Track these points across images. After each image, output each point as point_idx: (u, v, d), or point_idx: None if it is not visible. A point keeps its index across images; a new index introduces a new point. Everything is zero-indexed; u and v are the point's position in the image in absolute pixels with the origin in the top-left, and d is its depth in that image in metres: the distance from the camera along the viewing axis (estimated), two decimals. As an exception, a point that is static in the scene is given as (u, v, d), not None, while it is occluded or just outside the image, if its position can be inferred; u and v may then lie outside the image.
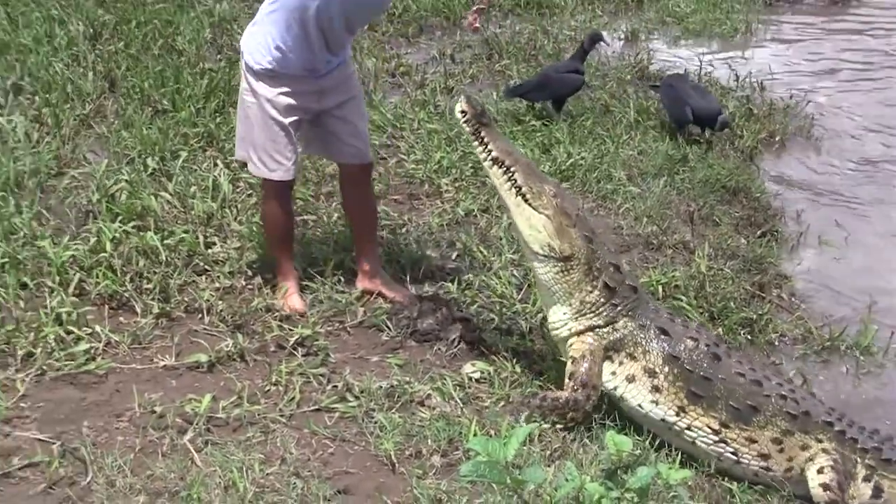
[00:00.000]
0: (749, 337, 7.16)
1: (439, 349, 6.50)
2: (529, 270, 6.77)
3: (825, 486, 5.79)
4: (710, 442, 5.83)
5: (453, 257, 7.54)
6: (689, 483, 5.46)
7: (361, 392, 5.93)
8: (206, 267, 7.07)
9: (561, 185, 6.59)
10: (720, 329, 6.92)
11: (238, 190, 7.98)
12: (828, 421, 5.86)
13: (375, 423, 5.68)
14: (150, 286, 6.72)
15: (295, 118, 6.51)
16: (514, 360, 6.29)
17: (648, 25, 13.32)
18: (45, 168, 8.04)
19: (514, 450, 4.50)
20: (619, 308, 5.91)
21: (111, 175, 7.95)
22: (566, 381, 5.86)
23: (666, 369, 5.83)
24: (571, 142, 9.33)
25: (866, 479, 5.90)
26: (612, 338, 5.88)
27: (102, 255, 6.91)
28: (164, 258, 6.98)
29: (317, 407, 5.85)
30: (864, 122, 11.21)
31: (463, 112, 5.91)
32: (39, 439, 5.40)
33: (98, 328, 6.28)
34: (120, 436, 5.48)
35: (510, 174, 5.89)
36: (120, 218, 7.37)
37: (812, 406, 5.92)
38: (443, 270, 7.34)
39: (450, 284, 7.12)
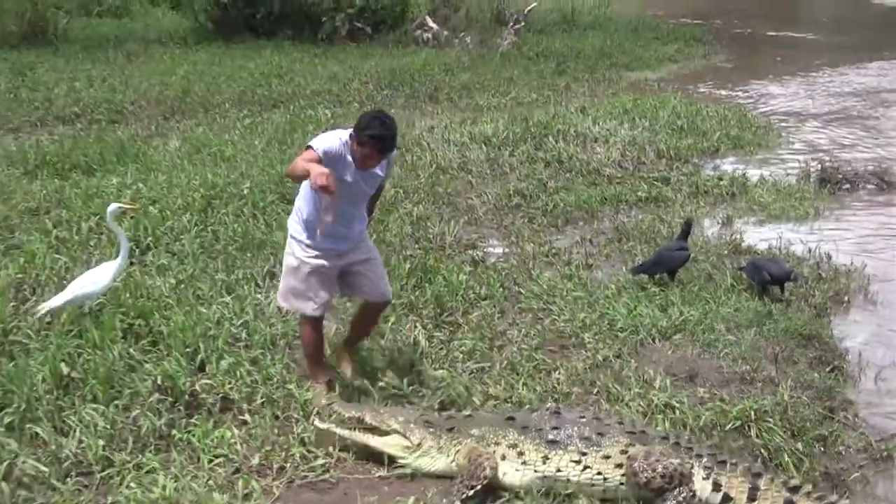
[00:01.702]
0: (822, 448, 7.04)
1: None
2: (650, 402, 6.83)
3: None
4: (577, 472, 5.85)
5: (594, 393, 7.51)
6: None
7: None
8: (411, 402, 7.21)
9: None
10: (800, 444, 6.87)
11: (433, 345, 8.17)
12: (664, 436, 5.97)
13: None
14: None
15: (324, 273, 6.90)
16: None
17: (739, 212, 13.18)
18: (291, 331, 8.31)
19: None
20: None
21: (338, 335, 8.21)
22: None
23: (522, 437, 5.97)
24: (683, 303, 9.29)
25: (705, 477, 5.83)
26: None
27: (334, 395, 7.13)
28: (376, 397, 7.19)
29: (492, 505, 5.92)
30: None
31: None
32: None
33: (330, 448, 6.49)
34: (346, 530, 5.62)
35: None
36: (346, 367, 7.61)
37: (649, 430, 6.13)
38: (586, 402, 7.33)
39: (593, 414, 7.10)
